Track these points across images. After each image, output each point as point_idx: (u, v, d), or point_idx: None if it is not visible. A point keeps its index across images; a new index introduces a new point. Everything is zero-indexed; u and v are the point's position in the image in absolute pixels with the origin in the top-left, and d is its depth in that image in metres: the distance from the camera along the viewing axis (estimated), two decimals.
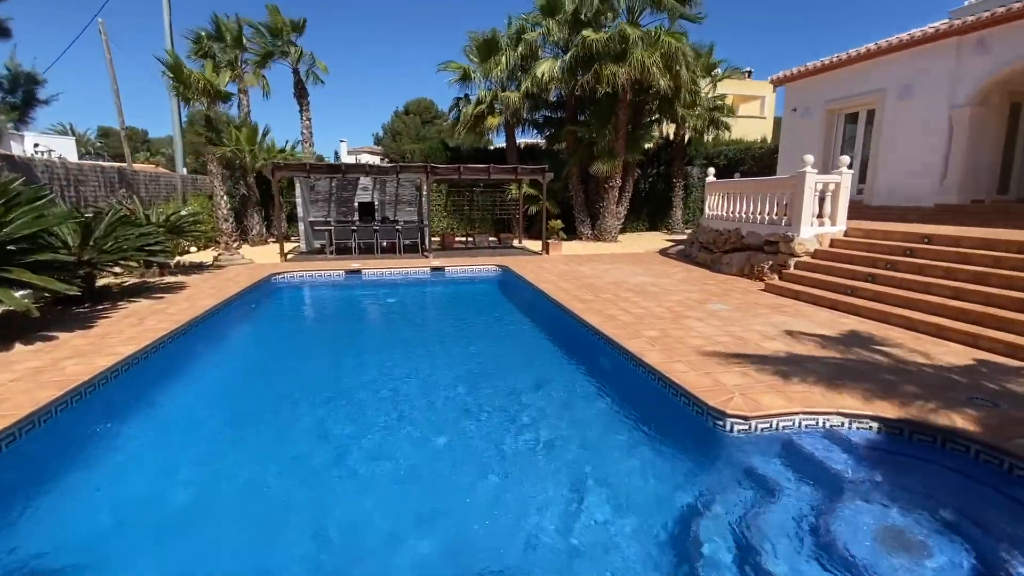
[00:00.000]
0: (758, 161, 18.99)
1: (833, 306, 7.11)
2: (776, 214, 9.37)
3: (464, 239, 16.23)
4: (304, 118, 17.33)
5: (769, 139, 26.69)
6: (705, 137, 20.25)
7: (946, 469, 3.38)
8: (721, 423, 3.85)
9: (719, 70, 18.22)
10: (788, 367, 4.73)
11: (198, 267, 11.12)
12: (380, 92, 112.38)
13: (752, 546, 2.75)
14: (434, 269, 11.59)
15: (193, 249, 13.88)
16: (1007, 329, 5.31)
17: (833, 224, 8.78)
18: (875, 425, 3.78)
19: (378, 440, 4.21)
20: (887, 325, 6.20)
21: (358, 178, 15.97)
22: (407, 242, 13.86)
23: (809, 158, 8.57)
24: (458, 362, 6.24)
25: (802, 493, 3.22)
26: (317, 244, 14.74)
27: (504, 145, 18.46)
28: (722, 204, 11.24)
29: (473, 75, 16.17)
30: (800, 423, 3.84)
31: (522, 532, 3.01)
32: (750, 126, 29.56)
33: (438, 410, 4.79)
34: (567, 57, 14.41)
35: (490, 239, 16.37)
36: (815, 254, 8.63)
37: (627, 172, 16.49)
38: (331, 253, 13.29)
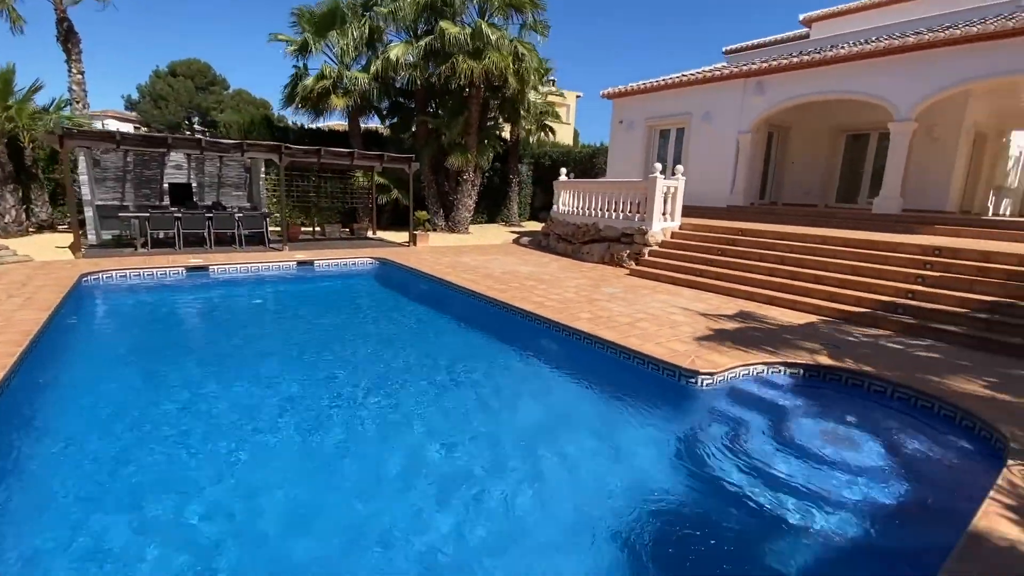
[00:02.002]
0: (579, 164, 21.65)
1: (689, 285, 8.93)
2: (630, 211, 11.12)
3: (311, 230, 14.74)
4: (74, 70, 13.30)
5: (571, 144, 30.44)
6: (530, 139, 22.27)
7: (830, 390, 4.88)
8: (693, 380, 4.77)
9: (549, 77, 20.13)
10: (708, 334, 5.95)
11: None
12: (131, 45, 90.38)
13: (732, 448, 3.92)
14: (301, 263, 10.39)
15: None
16: (809, 295, 7.58)
17: (673, 220, 10.88)
18: (784, 368, 5.15)
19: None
20: (735, 298, 8.13)
21: (165, 154, 13.07)
22: (247, 233, 11.99)
23: (658, 166, 10.46)
24: (419, 371, 5.70)
25: (755, 415, 4.46)
26: (108, 235, 11.61)
27: (346, 128, 17.25)
28: (576, 201, 12.71)
29: (314, 46, 14.63)
30: (740, 373, 4.99)
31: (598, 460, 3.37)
32: (558, 131, 33.35)
33: (437, 428, 4.31)
34: (421, 44, 14.24)
35: (342, 230, 15.21)
36: (663, 244, 10.58)
37: (478, 166, 17.15)
38: (143, 247, 10.70)
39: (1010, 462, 3.28)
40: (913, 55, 9.98)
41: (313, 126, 17.98)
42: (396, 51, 14.25)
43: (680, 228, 10.90)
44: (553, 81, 38.85)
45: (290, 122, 17.63)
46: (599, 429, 4.43)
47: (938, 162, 11.38)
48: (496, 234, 17.76)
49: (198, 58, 44.87)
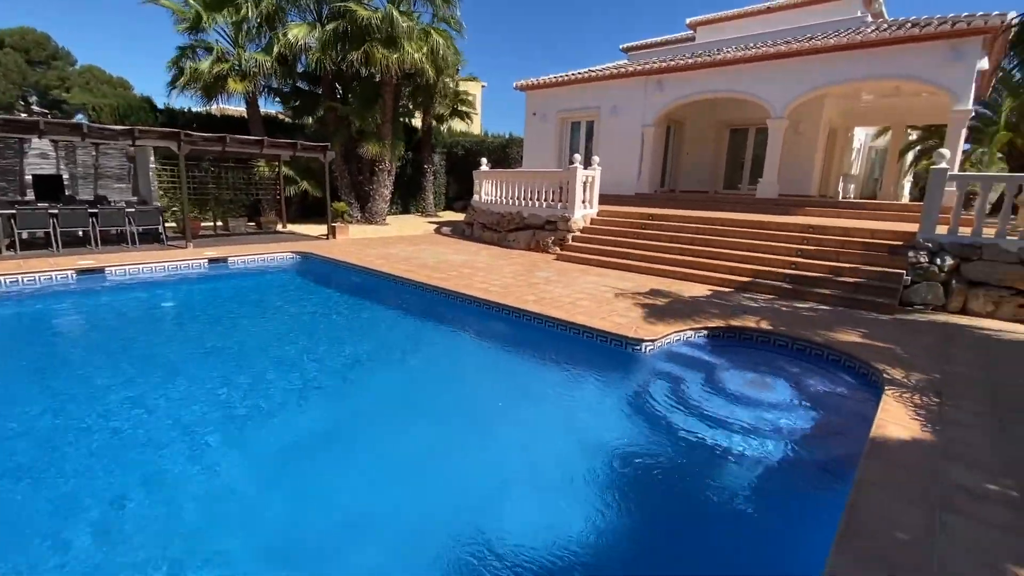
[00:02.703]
0: (492, 154, 21.99)
1: (612, 267, 9.71)
2: (553, 200, 11.72)
3: (213, 225, 13.54)
4: None
5: (479, 134, 30.71)
6: (442, 127, 22.24)
7: (744, 347, 5.77)
8: (639, 347, 5.38)
9: (461, 67, 20.13)
10: (640, 308, 6.64)
11: None
12: None
13: (675, 396, 4.62)
14: (213, 261, 9.61)
15: None
16: (715, 270, 8.66)
17: (591, 207, 11.66)
18: (707, 332, 5.96)
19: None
20: (653, 275, 9.02)
21: (24, 141, 11.26)
22: (140, 230, 10.77)
23: (577, 157, 11.15)
24: (385, 362, 5.83)
25: (689, 370, 5.17)
26: None
27: (242, 113, 15.95)
28: (499, 190, 13.08)
29: (208, 22, 13.31)
30: (673, 338, 5.70)
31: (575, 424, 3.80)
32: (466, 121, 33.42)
33: (436, 410, 4.65)
34: (329, 27, 13.60)
35: (248, 224, 14.15)
36: (584, 230, 11.32)
37: (393, 156, 16.79)
38: (8, 249, 9.23)
39: (887, 388, 4.23)
40: (785, 61, 11.61)
41: (203, 111, 16.39)
42: (297, 31, 13.47)
43: (598, 215, 11.72)
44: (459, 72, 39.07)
45: (168, 105, 15.65)
46: (570, 393, 4.95)
47: (803, 154, 13.36)
48: (415, 225, 17.58)
49: (32, 27, 38.16)
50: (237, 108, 17.71)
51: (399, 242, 12.84)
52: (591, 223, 11.50)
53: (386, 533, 2.91)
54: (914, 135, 19.41)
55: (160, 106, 15.50)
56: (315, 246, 11.48)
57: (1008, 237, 6.79)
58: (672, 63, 13.25)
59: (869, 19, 12.85)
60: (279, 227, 14.61)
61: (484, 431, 4.19)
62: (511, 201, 12.61)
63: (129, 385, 4.61)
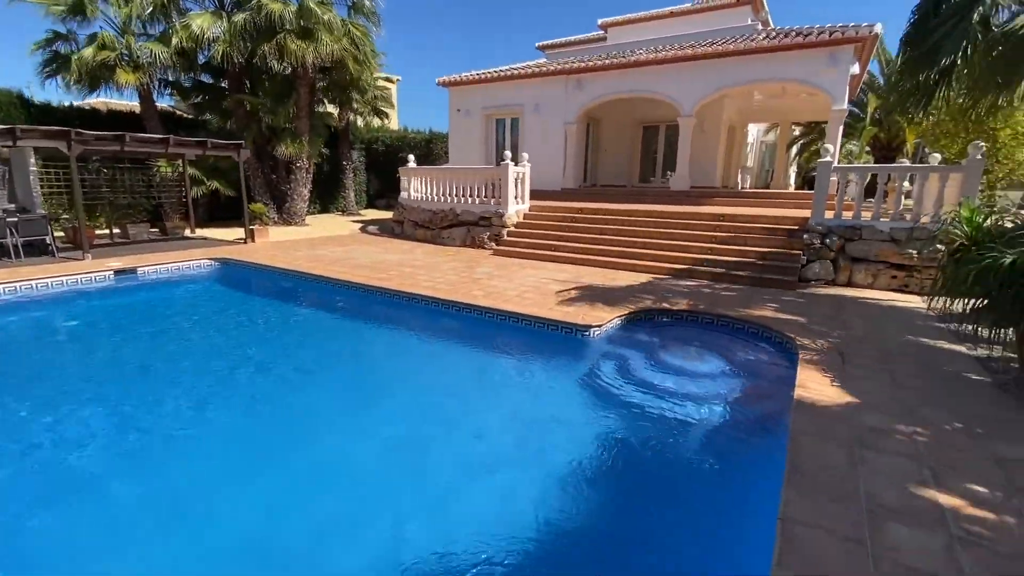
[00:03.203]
0: (415, 150, 21.61)
1: (548, 260, 10.09)
2: (486, 196, 11.89)
3: (109, 232, 12.18)
4: None
5: (396, 130, 30.08)
6: (359, 123, 21.53)
7: (678, 326, 6.34)
8: (588, 332, 5.74)
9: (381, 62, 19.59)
10: (582, 297, 7.03)
11: None
12: None
13: (628, 374, 4.98)
14: (120, 273, 8.71)
15: None
16: (642, 259, 9.32)
17: (524, 203, 11.98)
18: (647, 316, 6.47)
19: None
20: (587, 266, 9.51)
21: None
22: (23, 241, 9.48)
23: (508, 154, 11.38)
24: (344, 370, 5.73)
25: (633, 349, 5.62)
26: None
27: (133, 108, 14.43)
28: (430, 187, 12.99)
29: (90, 7, 11.85)
30: (616, 322, 6.14)
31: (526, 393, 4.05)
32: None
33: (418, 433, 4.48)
34: (239, 18, 12.69)
35: (151, 230, 12.90)
36: (518, 225, 11.61)
37: (312, 153, 16.05)
38: None
39: (800, 352, 4.90)
40: (693, 64, 12.62)
41: (86, 105, 14.63)
42: (201, 21, 12.43)
43: (530, 210, 12.07)
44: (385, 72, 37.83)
45: (33, 98, 13.65)
46: (533, 377, 5.24)
47: (708, 149, 14.62)
48: (338, 224, 16.93)
49: None
50: (127, 103, 15.99)
51: (327, 243, 12.37)
52: (524, 218, 11.82)
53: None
54: (797, 131, 21.89)
55: (32, 100, 13.56)
56: (234, 251, 10.75)
57: (881, 220, 8.00)
58: (591, 63, 13.90)
59: (760, 27, 14.30)
60: (187, 232, 13.45)
61: (452, 423, 4.29)
62: (443, 198, 12.59)
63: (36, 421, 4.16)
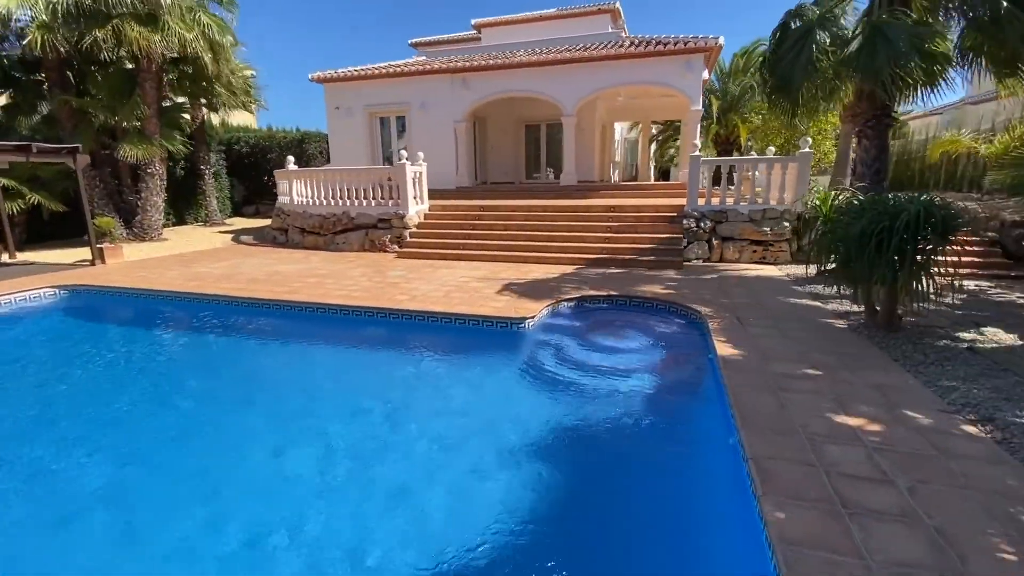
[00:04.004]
0: (286, 150, 19.97)
1: (458, 259, 10.13)
2: (383, 197, 11.51)
3: None
4: None
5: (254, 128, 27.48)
6: (214, 121, 19.31)
7: (599, 310, 6.88)
8: (521, 325, 5.99)
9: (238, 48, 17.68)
10: (506, 292, 7.25)
11: None
12: None
13: (558, 359, 5.31)
14: None
15: None
16: (550, 251, 9.83)
17: (423, 203, 11.83)
18: (572, 304, 6.90)
19: None
20: (500, 262, 9.74)
21: None
22: None
23: (403, 152, 11.14)
24: (257, 407, 5.18)
25: (564, 335, 5.90)
26: None
27: None
28: (315, 191, 12.16)
29: None
30: (544, 313, 6.47)
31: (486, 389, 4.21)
32: (239, 114, 29.33)
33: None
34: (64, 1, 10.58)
35: None
36: (419, 226, 11.45)
37: (164, 157, 14.03)
38: None
39: (709, 323, 5.66)
40: (575, 66, 13.46)
41: None
42: (8, 2, 10.14)
43: (430, 210, 11.96)
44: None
45: None
46: (477, 372, 5.39)
47: (587, 146, 15.78)
48: (204, 237, 15.01)
49: None
50: None
51: (201, 258, 10.97)
52: (425, 218, 11.68)
53: None
54: (655, 129, 24.49)
55: None
56: (83, 275, 9.06)
57: (741, 204, 9.44)
58: (476, 62, 14.13)
59: (623, 34, 15.74)
60: (5, 257, 10.98)
61: (402, 429, 4.21)
62: (334, 201, 11.89)
63: None
